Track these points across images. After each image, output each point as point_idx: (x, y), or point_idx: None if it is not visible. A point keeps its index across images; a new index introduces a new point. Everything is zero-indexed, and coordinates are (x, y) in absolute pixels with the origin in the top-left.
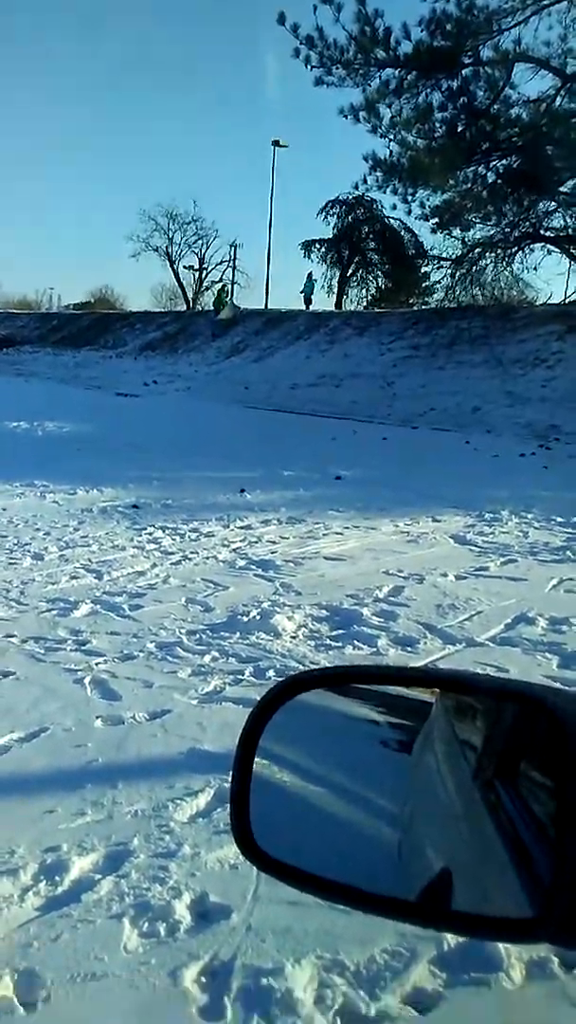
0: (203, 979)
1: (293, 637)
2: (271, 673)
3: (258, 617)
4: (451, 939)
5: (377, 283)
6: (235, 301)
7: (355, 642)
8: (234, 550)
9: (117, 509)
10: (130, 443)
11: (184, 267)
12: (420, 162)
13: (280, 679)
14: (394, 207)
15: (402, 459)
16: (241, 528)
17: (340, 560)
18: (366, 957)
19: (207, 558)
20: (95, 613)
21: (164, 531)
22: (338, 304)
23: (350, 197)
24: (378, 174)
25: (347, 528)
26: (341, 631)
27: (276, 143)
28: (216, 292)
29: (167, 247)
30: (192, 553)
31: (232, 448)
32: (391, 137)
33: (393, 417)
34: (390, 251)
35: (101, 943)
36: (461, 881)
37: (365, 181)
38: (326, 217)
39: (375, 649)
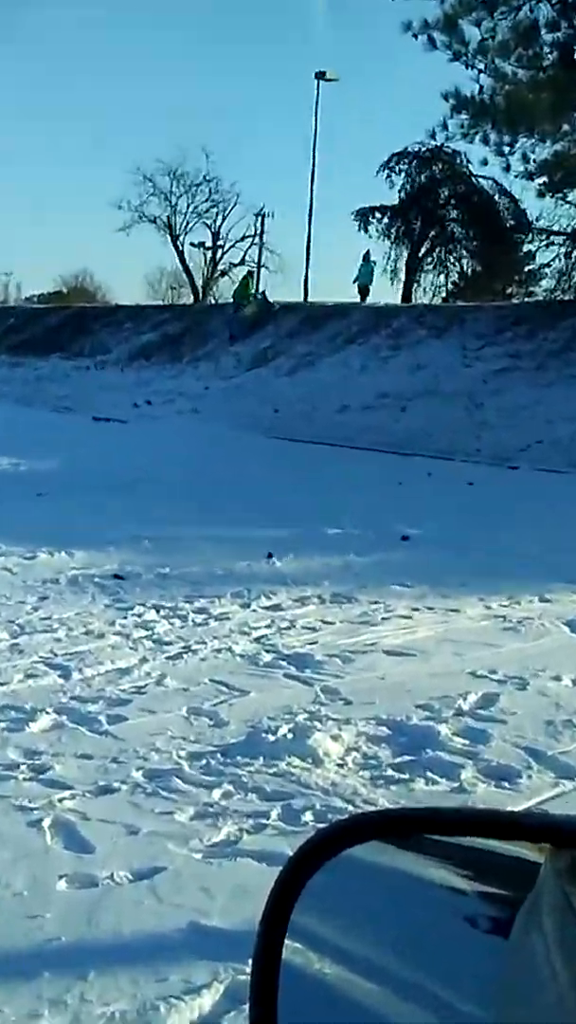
0: None
1: (340, 765)
2: (308, 817)
3: (290, 736)
4: None
5: (461, 267)
6: (265, 292)
7: (428, 773)
8: (257, 640)
9: (93, 580)
10: (113, 487)
11: (192, 244)
12: (521, 100)
13: (322, 825)
14: (485, 162)
15: (495, 512)
16: (267, 609)
17: (407, 655)
18: None
19: (219, 651)
20: (60, 727)
21: (158, 612)
22: (406, 295)
23: (423, 149)
24: (462, 117)
25: (417, 610)
26: (408, 757)
27: (321, 75)
28: (240, 280)
29: (169, 217)
30: (198, 643)
31: (256, 495)
32: (480, 67)
33: (483, 453)
34: (480, 222)
35: None
36: None
37: (444, 127)
38: (389, 176)
39: (457, 784)
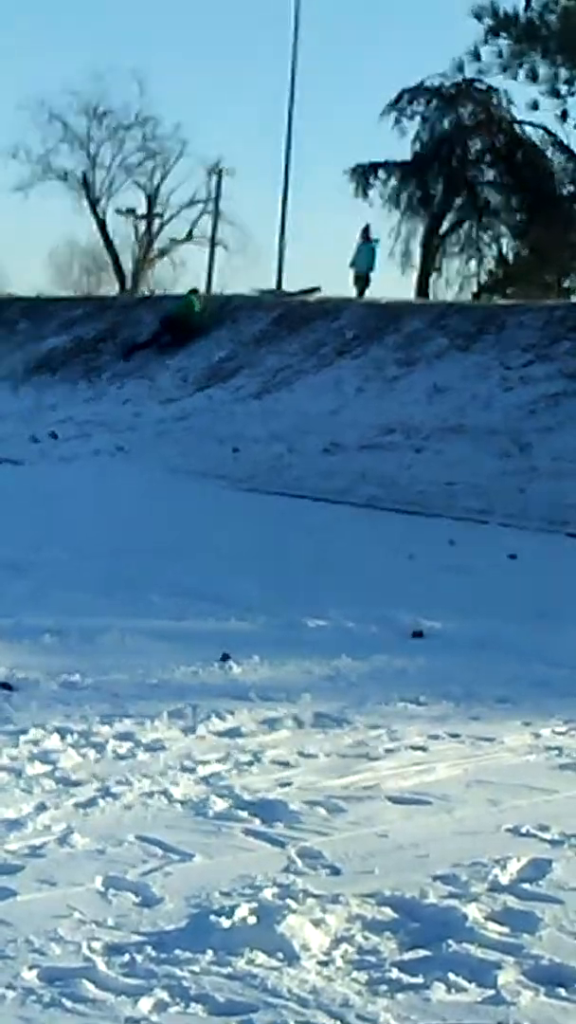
0: None
1: (324, 963)
2: None
3: (252, 920)
4: None
5: (499, 249)
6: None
7: (451, 976)
8: (205, 779)
9: None
10: (1, 557)
11: (119, 212)
12: None
13: None
14: (535, 106)
15: (547, 598)
16: (220, 735)
17: (421, 803)
18: None
19: (149, 794)
20: None
21: (64, 738)
22: (422, 288)
23: (446, 85)
24: (502, 43)
25: (435, 738)
26: (422, 952)
27: None
28: (183, 299)
29: (85, 173)
30: (119, 784)
31: (207, 571)
32: None
33: (530, 513)
34: (525, 187)
35: None
36: None
37: (476, 56)
38: (399, 121)
39: (492, 992)
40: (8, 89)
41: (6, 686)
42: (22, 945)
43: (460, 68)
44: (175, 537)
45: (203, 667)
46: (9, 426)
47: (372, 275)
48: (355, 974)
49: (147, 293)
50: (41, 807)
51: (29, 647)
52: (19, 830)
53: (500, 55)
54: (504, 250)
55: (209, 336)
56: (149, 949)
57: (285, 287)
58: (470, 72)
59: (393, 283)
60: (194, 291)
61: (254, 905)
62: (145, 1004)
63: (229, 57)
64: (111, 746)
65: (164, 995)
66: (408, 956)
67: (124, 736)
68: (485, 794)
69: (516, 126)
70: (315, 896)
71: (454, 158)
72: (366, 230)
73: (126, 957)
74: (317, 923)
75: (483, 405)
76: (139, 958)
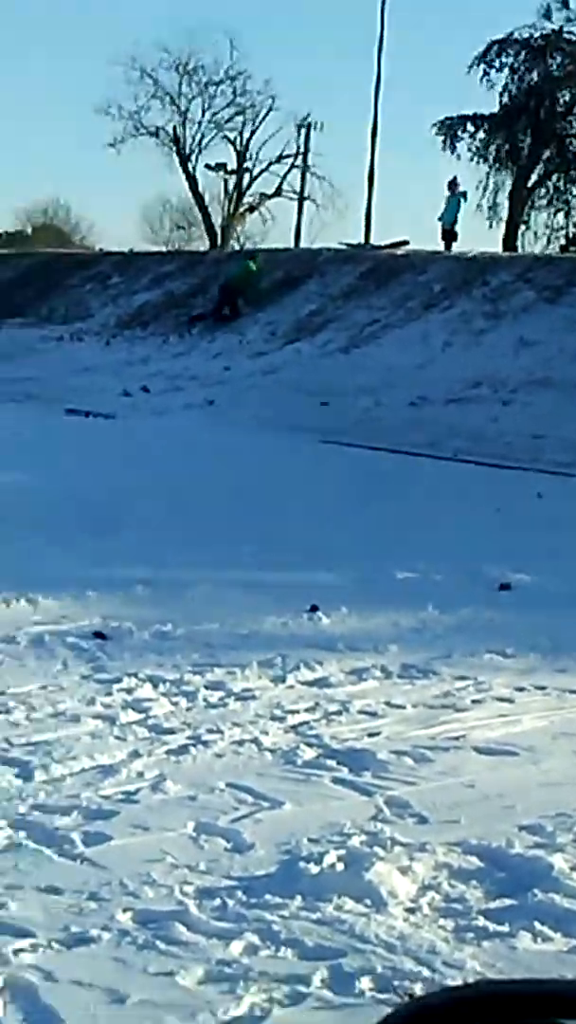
0: None
1: (411, 910)
2: (365, 984)
3: (340, 867)
4: None
5: None
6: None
7: (537, 924)
8: (295, 728)
9: (65, 640)
10: (94, 509)
11: (208, 167)
12: None
13: (390, 1000)
14: None
15: None
16: (309, 684)
17: (507, 754)
18: None
19: (240, 743)
20: (16, 848)
21: (156, 686)
22: (509, 241)
23: (534, 36)
24: None
25: (522, 690)
26: (508, 901)
27: None
28: (240, 264)
29: (176, 129)
30: (211, 732)
31: (296, 523)
32: None
33: None
34: None
35: None
36: None
37: (564, 3)
38: (486, 74)
39: None
40: (100, 45)
41: (100, 635)
42: (116, 888)
43: (547, 15)
44: (264, 490)
45: (292, 618)
46: (101, 380)
47: (457, 227)
48: (442, 921)
49: (236, 248)
50: (134, 754)
51: (122, 598)
52: (113, 776)
53: None
54: None
55: (297, 290)
56: (240, 894)
57: (373, 241)
58: (558, 21)
59: (481, 236)
60: (251, 255)
61: (342, 852)
62: (236, 947)
63: (318, 11)
64: (202, 695)
65: (254, 939)
66: (494, 905)
67: (215, 685)
68: (571, 746)
69: None
70: (402, 844)
71: (543, 110)
72: (452, 182)
73: (217, 901)
74: (404, 871)
75: (571, 358)
76: (230, 902)
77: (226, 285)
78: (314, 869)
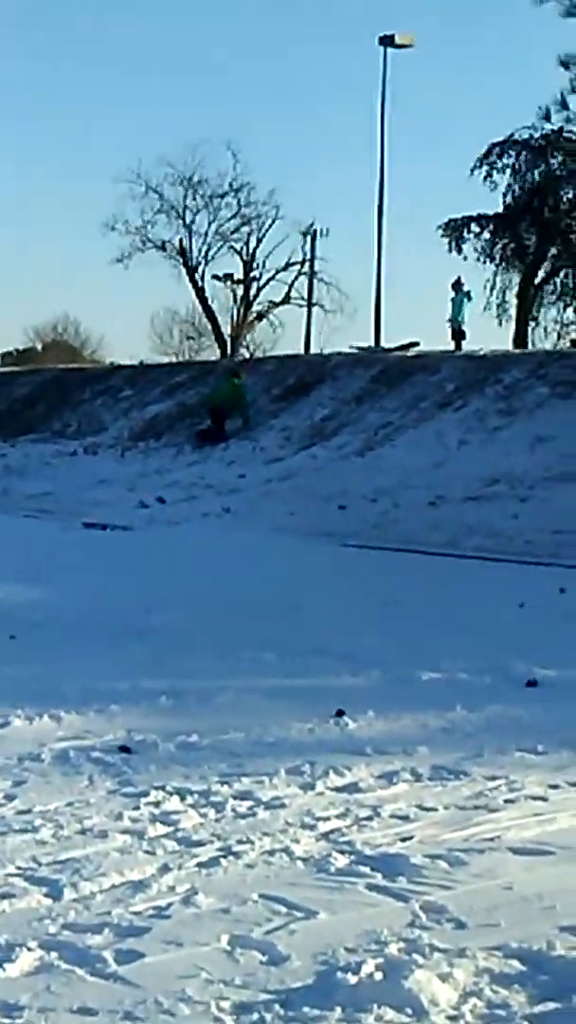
0: None
1: (453, 1018)
2: None
3: (379, 976)
4: None
5: None
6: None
7: None
8: (326, 836)
9: (90, 755)
10: (116, 622)
11: (216, 278)
12: None
13: None
14: None
15: None
16: (339, 790)
17: (544, 854)
18: None
19: (271, 852)
20: (47, 969)
21: (183, 799)
22: (520, 338)
23: (534, 136)
24: None
25: (554, 787)
26: (553, 1005)
27: (388, 41)
28: (224, 381)
29: (182, 242)
30: (241, 843)
31: (316, 628)
32: None
33: None
34: None
35: None
36: None
37: (563, 104)
38: (489, 175)
39: None
40: (104, 164)
41: (125, 749)
42: (152, 1006)
43: (547, 117)
44: (284, 595)
45: (319, 723)
46: (117, 491)
47: (464, 326)
48: None
49: (246, 355)
50: (164, 868)
51: (146, 710)
52: (144, 892)
53: None
54: None
55: (309, 395)
56: (277, 1007)
57: (384, 343)
58: (557, 122)
59: (491, 335)
60: (235, 372)
61: (380, 960)
62: None
63: (319, 120)
64: (231, 805)
65: None
66: (538, 1009)
67: (243, 795)
68: None
69: None
70: (441, 950)
71: (546, 208)
72: (457, 282)
73: (255, 1016)
74: (444, 977)
75: None
76: (268, 1016)
77: (213, 406)
78: (352, 979)
